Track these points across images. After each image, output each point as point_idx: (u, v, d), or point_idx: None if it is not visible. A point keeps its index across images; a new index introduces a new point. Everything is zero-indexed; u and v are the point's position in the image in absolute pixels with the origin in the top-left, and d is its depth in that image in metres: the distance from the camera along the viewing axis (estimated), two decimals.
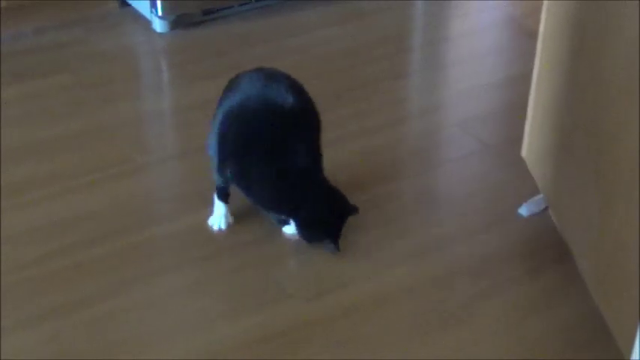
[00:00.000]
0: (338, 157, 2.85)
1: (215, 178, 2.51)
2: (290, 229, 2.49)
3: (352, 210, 2.45)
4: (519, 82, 3.02)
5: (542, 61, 2.52)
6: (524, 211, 2.62)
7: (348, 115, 3.05)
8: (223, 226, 2.55)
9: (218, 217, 2.55)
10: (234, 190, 2.50)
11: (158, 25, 3.53)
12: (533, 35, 2.58)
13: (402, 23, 3.72)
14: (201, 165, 2.80)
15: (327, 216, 2.42)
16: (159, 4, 3.45)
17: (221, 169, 2.45)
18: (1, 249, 2.47)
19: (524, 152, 2.69)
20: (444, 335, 2.26)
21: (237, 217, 2.59)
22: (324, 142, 2.52)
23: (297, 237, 2.46)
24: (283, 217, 2.48)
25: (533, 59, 2.57)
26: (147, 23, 3.55)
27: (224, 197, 2.53)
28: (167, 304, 2.34)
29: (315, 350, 2.20)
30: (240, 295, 2.36)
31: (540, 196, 2.61)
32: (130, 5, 3.65)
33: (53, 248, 2.49)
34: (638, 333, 1.85)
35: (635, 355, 1.85)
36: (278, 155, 2.37)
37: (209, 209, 2.58)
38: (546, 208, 2.60)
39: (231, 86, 2.47)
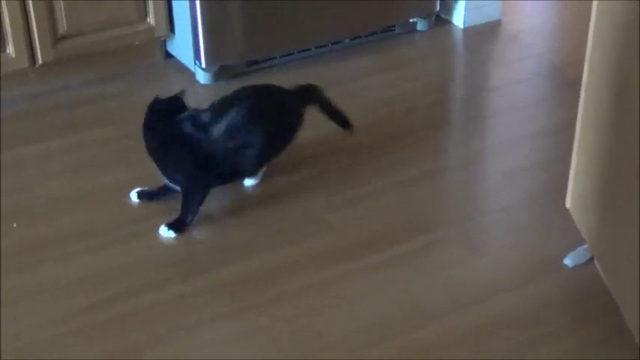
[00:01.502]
0: (380, 205, 2.85)
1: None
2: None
3: None
4: (563, 132, 3.01)
5: (586, 110, 2.51)
6: (569, 261, 2.60)
7: (390, 163, 3.05)
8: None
9: None
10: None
11: (202, 77, 3.57)
12: (576, 84, 2.58)
13: (443, 72, 3.73)
14: (243, 217, 2.82)
15: None
16: (202, 55, 3.49)
17: None
18: (47, 299, 2.50)
19: (569, 202, 2.67)
20: None
21: (285, 265, 2.61)
22: (363, 193, 2.54)
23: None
24: None
25: (576, 108, 2.57)
26: (191, 75, 3.59)
27: None
28: (213, 354, 2.34)
29: None
30: (285, 346, 2.36)
31: (585, 246, 2.59)
32: (173, 57, 3.69)
33: (98, 299, 2.50)
34: None
35: None
36: None
37: (253, 260, 2.60)
38: (592, 259, 2.57)
39: None
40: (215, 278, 2.59)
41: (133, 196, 2.88)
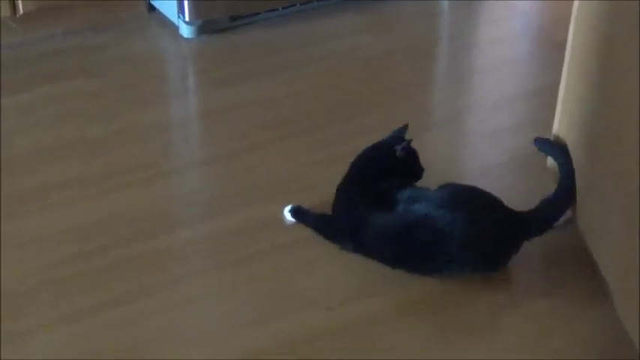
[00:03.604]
0: None
1: None
2: None
3: None
4: (547, 92, 3.00)
5: (570, 71, 2.51)
6: None
7: (374, 122, 3.04)
8: None
9: None
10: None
11: (185, 31, 3.54)
12: (562, 44, 2.57)
13: (430, 30, 3.72)
14: (227, 170, 2.82)
15: None
16: (186, 9, 3.47)
17: None
18: (28, 250, 2.49)
19: (549, 163, 2.67)
20: (466, 347, 2.25)
21: (268, 221, 2.60)
22: (347, 151, 2.55)
23: None
24: None
25: (561, 69, 2.56)
26: (174, 28, 3.56)
27: None
28: (193, 308, 2.34)
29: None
30: (265, 302, 2.36)
31: None
32: (157, 10, 3.66)
33: (80, 250, 2.50)
34: None
35: None
36: None
37: (236, 214, 2.60)
38: (573, 219, 2.58)
39: None
40: (199, 232, 2.59)
41: None
